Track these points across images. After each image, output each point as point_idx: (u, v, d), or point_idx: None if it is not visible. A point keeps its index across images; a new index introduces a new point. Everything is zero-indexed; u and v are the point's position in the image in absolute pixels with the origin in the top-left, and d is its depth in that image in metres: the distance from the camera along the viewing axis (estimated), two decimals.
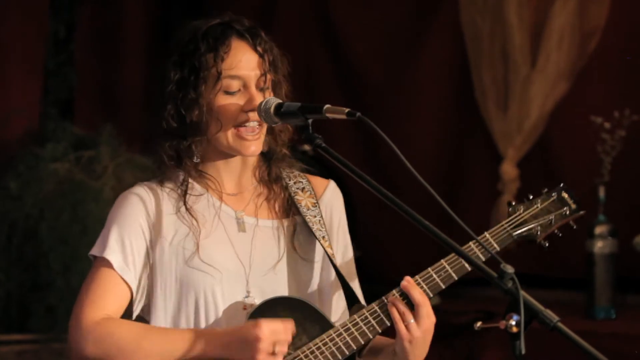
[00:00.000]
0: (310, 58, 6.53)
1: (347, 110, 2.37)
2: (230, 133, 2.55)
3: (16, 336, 5.33)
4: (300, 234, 2.65)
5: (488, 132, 5.93)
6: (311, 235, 2.64)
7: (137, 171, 5.41)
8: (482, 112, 5.94)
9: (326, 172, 5.89)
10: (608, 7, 5.64)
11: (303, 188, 2.69)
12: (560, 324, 2.15)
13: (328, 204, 2.72)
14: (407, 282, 2.53)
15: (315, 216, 2.65)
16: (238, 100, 2.55)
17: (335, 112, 2.39)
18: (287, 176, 2.70)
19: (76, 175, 5.48)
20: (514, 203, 2.71)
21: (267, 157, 2.68)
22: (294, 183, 2.69)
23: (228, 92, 2.54)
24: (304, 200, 2.66)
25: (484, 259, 2.57)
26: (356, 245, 5.99)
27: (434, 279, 2.56)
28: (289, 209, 2.66)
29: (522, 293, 2.14)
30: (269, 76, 2.58)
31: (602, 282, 5.24)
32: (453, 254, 2.56)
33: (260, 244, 2.61)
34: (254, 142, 2.57)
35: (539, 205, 2.71)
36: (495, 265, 2.18)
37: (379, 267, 5.88)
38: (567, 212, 2.75)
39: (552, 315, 2.16)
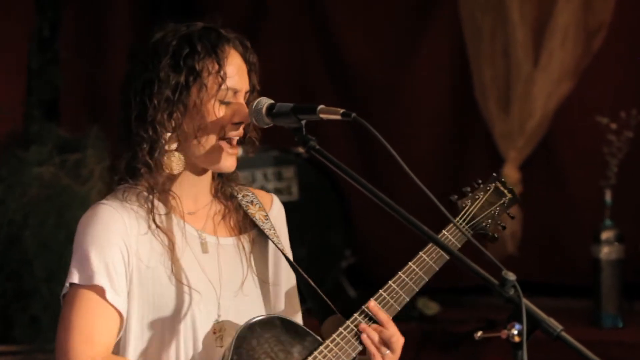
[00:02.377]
0: (306, 58, 6.51)
1: (342, 110, 2.33)
2: (214, 144, 2.49)
3: None
4: (257, 251, 2.61)
5: (488, 133, 5.90)
6: (267, 251, 2.61)
7: None
8: (482, 112, 5.91)
9: (320, 174, 5.88)
10: (614, 3, 5.63)
11: (252, 201, 2.64)
12: (564, 333, 2.11)
13: (277, 218, 2.68)
14: (372, 306, 2.49)
15: (270, 229, 2.61)
16: (228, 111, 2.49)
17: (329, 113, 2.35)
18: (234, 191, 2.64)
19: (61, 180, 5.40)
20: (456, 197, 2.71)
21: (219, 173, 2.61)
22: (243, 197, 2.64)
23: (223, 102, 2.48)
24: (256, 214, 2.62)
25: (447, 258, 2.57)
26: (352, 250, 6.01)
27: (399, 294, 2.53)
28: (245, 225, 2.61)
29: (525, 301, 2.10)
30: (256, 89, 2.55)
31: (609, 289, 5.24)
32: (418, 256, 2.56)
33: (225, 264, 2.55)
34: (232, 156, 2.52)
35: (481, 197, 2.71)
36: (497, 272, 2.13)
37: (375, 272, 5.89)
38: (506, 203, 2.74)
39: (555, 324, 2.12)
